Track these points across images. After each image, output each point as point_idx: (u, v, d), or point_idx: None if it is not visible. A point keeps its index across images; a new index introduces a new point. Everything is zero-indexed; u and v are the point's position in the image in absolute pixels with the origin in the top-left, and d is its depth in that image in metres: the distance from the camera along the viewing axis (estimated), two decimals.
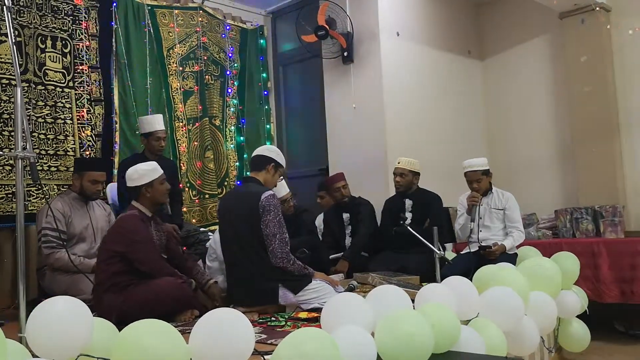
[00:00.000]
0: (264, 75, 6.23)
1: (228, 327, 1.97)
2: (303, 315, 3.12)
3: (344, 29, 5.45)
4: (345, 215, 4.94)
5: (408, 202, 4.62)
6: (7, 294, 4.01)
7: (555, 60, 5.81)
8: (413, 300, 2.60)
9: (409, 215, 4.54)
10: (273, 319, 3.11)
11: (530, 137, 5.98)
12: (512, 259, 4.03)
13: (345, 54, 5.48)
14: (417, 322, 2.15)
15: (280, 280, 3.30)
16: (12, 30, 2.44)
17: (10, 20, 2.44)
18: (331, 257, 4.73)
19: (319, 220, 5.24)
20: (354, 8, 5.48)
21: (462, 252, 4.41)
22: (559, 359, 3.94)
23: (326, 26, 5.34)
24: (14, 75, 4.15)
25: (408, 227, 3.84)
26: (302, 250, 4.59)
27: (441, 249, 3.55)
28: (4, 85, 4.14)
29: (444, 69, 5.97)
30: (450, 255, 4.43)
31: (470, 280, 3.02)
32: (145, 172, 3.35)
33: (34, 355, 1.83)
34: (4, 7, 2.45)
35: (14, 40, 2.42)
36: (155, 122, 4.47)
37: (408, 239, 3.99)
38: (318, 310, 3.10)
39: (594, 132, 5.26)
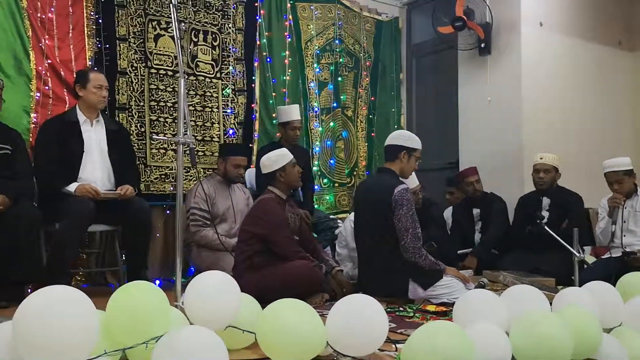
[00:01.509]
0: (397, 67, 6.24)
1: (365, 312, 2.05)
2: (431, 308, 3.12)
3: (482, 19, 5.32)
4: (476, 211, 4.85)
5: (545, 201, 4.43)
6: (157, 267, 4.38)
7: None
8: (550, 304, 2.53)
9: (545, 214, 4.37)
10: (401, 309, 3.15)
11: None
12: None
13: (483, 45, 5.34)
14: (555, 325, 2.09)
15: (410, 274, 3.31)
16: (177, 26, 2.68)
17: (175, 16, 2.68)
18: (459, 252, 4.68)
19: (447, 214, 5.18)
20: None
21: (602, 257, 4.17)
22: None
23: (464, 17, 5.24)
24: (170, 67, 4.54)
25: (545, 227, 3.70)
26: (431, 243, 4.58)
27: (580, 252, 3.39)
28: (161, 75, 4.52)
29: (590, 61, 5.62)
30: (589, 259, 4.20)
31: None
32: (277, 157, 3.53)
33: (190, 323, 2.03)
34: (170, 4, 2.70)
35: (178, 36, 2.66)
36: (292, 112, 4.67)
37: (543, 238, 3.84)
38: (447, 304, 3.11)
39: None
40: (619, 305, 2.59)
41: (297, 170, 3.58)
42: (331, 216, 5.16)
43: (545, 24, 5.29)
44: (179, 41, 2.61)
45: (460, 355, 1.88)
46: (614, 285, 2.80)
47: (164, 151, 4.50)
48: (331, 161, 5.67)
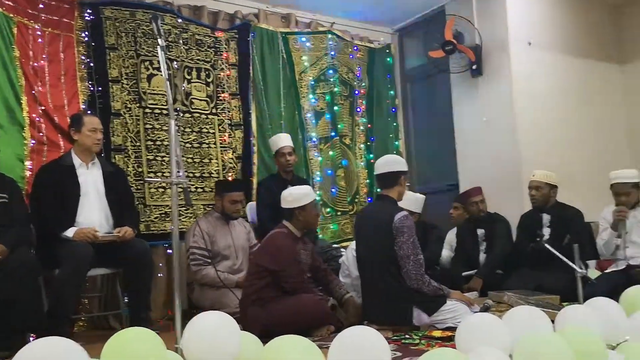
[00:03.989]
0: (392, 92, 6.29)
1: (366, 344, 2.03)
2: (437, 333, 3.10)
3: (472, 42, 5.38)
4: (480, 232, 4.82)
5: (546, 217, 4.41)
6: (161, 307, 4.37)
7: None
8: (553, 321, 2.50)
9: (547, 230, 4.34)
10: (407, 336, 3.13)
11: None
12: None
13: (474, 67, 5.40)
14: (558, 346, 2.07)
15: (414, 301, 3.30)
16: (165, 67, 2.71)
17: (163, 58, 2.72)
18: (464, 274, 4.64)
19: (451, 235, 5.17)
20: (482, 20, 5.39)
21: (607, 271, 4.13)
22: None
23: (454, 41, 5.30)
24: (165, 105, 4.57)
25: (545, 244, 3.68)
26: (433, 267, 4.57)
27: (583, 267, 3.36)
28: (156, 114, 4.57)
29: (580, 76, 5.67)
30: (593, 273, 4.17)
31: (617, 301, 2.84)
32: (300, 196, 3.53)
33: None
34: (159, 47, 2.74)
35: (166, 77, 2.69)
36: (279, 140, 4.69)
37: (546, 256, 3.82)
38: (452, 329, 3.08)
39: None
40: (623, 321, 2.57)
41: (317, 212, 3.60)
42: (334, 245, 5.14)
43: (534, 43, 5.35)
44: (167, 82, 2.65)
45: None
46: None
47: (163, 190, 4.52)
48: (333, 190, 5.68)
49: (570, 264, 3.34)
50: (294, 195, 3.52)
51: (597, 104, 5.75)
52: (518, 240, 4.63)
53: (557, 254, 3.55)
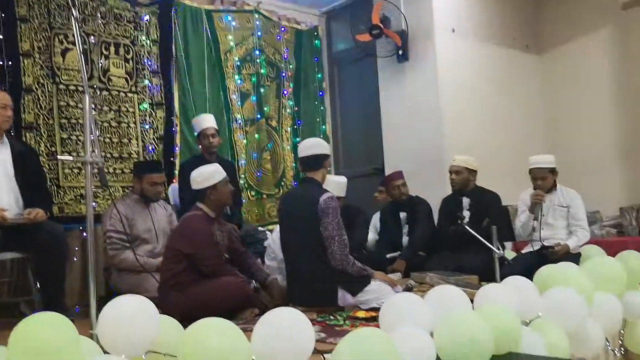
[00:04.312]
0: (319, 75, 6.26)
1: (289, 326, 2.01)
2: (361, 314, 3.13)
3: (398, 27, 5.43)
4: (403, 215, 4.92)
5: (465, 201, 4.55)
6: (77, 292, 4.19)
7: (617, 53, 5.60)
8: (472, 301, 2.58)
9: (466, 213, 4.47)
10: (332, 317, 3.14)
11: (591, 133, 5.77)
12: (576, 258, 3.91)
13: (400, 52, 5.46)
14: (476, 324, 2.13)
15: (339, 282, 3.31)
16: (79, 40, 2.55)
17: (77, 30, 2.56)
18: (388, 256, 4.73)
19: (376, 219, 5.24)
20: (409, 6, 5.45)
21: (523, 252, 4.32)
22: None
23: (380, 25, 5.34)
24: (81, 82, 4.34)
25: (465, 226, 3.79)
26: (360, 250, 4.61)
27: (500, 248, 3.49)
28: (71, 91, 4.33)
29: (501, 64, 5.86)
30: (509, 254, 4.34)
31: (531, 280, 2.96)
32: (210, 174, 3.44)
33: (104, 352, 1.92)
34: (73, 18, 2.57)
35: (81, 49, 2.53)
36: (203, 121, 4.57)
37: (466, 238, 3.95)
38: (376, 309, 3.11)
39: None
40: (536, 298, 2.69)
41: (229, 189, 3.51)
42: (260, 228, 5.10)
43: (458, 30, 5.47)
44: (81, 56, 2.49)
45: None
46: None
47: (78, 171, 4.31)
48: (258, 173, 5.62)
49: (489, 245, 3.46)
50: (204, 175, 3.43)
51: (517, 92, 5.97)
52: (439, 223, 4.75)
53: (477, 235, 3.67)
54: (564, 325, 2.66)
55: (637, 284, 3.72)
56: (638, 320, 3.66)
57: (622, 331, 3.60)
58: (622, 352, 3.69)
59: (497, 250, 3.39)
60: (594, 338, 2.89)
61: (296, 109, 6.03)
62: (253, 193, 5.54)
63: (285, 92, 5.94)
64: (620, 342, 3.64)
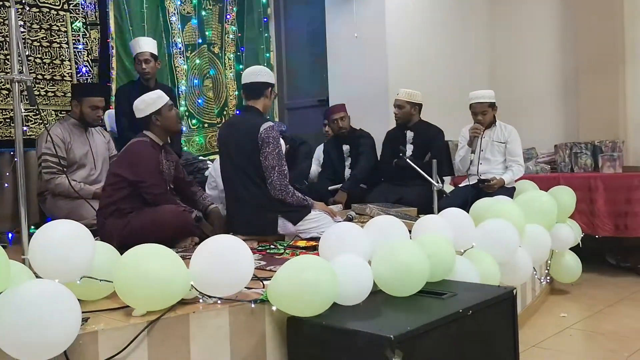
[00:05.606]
0: (264, 1, 6.04)
1: (228, 252, 2.01)
2: (302, 243, 3.17)
3: None
4: (345, 147, 4.93)
5: (409, 134, 4.59)
6: (9, 219, 4.03)
7: None
8: (410, 231, 2.64)
9: (409, 147, 4.53)
10: (272, 246, 3.16)
11: (533, 71, 5.87)
12: (510, 192, 4.06)
13: None
14: (413, 252, 2.19)
15: (279, 211, 3.32)
16: None
17: None
18: (330, 188, 4.76)
19: (319, 152, 5.24)
20: None
21: (460, 185, 4.45)
22: (550, 290, 4.05)
23: None
24: None
25: (407, 160, 3.84)
26: (302, 181, 4.62)
27: (439, 182, 3.57)
28: None
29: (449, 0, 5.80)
30: (448, 188, 4.45)
31: (468, 212, 3.05)
32: (152, 100, 3.33)
33: (37, 277, 1.87)
34: None
35: None
36: (138, 45, 4.38)
37: (407, 171, 4.03)
38: (316, 239, 3.14)
39: (598, 66, 5.16)
40: (471, 229, 2.78)
41: (175, 113, 3.41)
42: (200, 157, 5.02)
43: None
44: None
45: (324, 286, 1.92)
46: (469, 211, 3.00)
47: (7, 92, 4.06)
48: (199, 101, 5.46)
49: (428, 177, 3.53)
50: (147, 102, 3.32)
51: (464, 26, 5.93)
52: (383, 156, 4.80)
53: (417, 168, 3.73)
54: (496, 255, 2.78)
55: (567, 217, 3.92)
56: (564, 251, 3.88)
57: (549, 261, 3.82)
58: (548, 281, 3.93)
59: (436, 184, 3.46)
60: (523, 267, 3.04)
61: (239, 35, 5.82)
62: (194, 121, 5.40)
63: (228, 16, 5.71)
64: (547, 272, 3.87)
